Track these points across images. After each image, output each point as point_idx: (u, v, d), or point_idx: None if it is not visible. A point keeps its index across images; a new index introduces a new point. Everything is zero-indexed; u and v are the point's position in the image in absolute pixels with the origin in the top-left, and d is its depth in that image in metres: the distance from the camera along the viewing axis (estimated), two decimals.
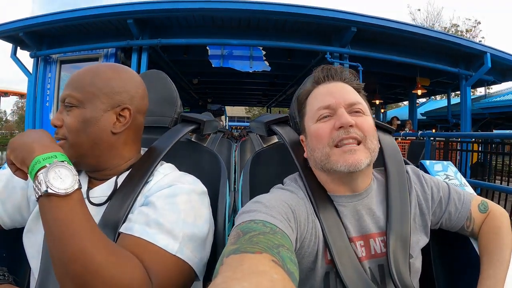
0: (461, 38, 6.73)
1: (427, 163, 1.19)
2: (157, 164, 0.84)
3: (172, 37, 5.72)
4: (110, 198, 0.77)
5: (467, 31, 21.92)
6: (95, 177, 0.83)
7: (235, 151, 3.38)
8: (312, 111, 0.82)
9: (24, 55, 6.34)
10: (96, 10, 5.28)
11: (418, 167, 0.99)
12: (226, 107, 16.59)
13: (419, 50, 6.29)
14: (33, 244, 0.78)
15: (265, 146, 1.17)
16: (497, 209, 0.87)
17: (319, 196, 0.79)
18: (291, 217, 0.70)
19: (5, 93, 9.67)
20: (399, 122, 8.20)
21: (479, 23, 21.96)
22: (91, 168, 0.82)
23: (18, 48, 6.30)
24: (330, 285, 0.74)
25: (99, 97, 0.78)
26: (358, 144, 0.74)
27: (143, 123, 0.89)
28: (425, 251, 0.83)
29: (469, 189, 1.04)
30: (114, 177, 0.81)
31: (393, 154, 0.92)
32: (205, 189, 0.83)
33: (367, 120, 0.78)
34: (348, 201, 0.79)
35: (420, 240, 0.81)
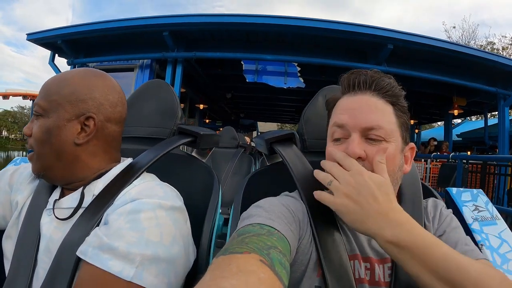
0: (500, 56, 6.41)
1: (453, 191, 1.06)
2: (136, 178, 0.77)
3: (206, 50, 5.70)
4: (75, 211, 0.72)
5: (503, 49, 21.30)
6: (68, 187, 0.79)
7: (256, 168, 3.32)
8: (330, 125, 0.75)
9: (61, 62, 6.56)
10: (133, 21, 5.37)
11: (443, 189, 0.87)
12: (258, 122, 16.63)
13: (455, 68, 6.00)
14: (10, 250, 0.75)
15: (268, 164, 1.07)
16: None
17: (320, 208, 0.70)
18: (292, 220, 0.67)
19: None
20: (435, 143, 7.97)
21: None
22: (61, 181, 0.78)
23: (56, 55, 6.46)
24: None
25: (63, 105, 0.74)
26: None
27: (119, 132, 0.83)
28: None
29: (501, 223, 0.90)
30: (81, 188, 0.75)
31: (410, 184, 0.81)
32: (177, 204, 0.73)
33: (384, 150, 0.67)
34: None
35: None
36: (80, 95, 0.75)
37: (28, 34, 5.92)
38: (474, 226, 0.96)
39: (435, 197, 0.90)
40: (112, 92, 0.80)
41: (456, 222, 0.76)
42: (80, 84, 0.76)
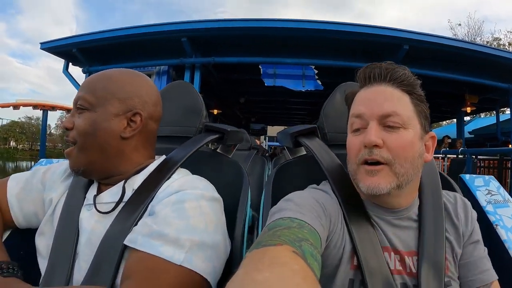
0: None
1: (466, 177, 1.09)
2: (172, 173, 0.82)
3: (224, 55, 5.68)
4: (117, 205, 0.76)
5: (509, 44, 21.25)
6: (105, 183, 0.82)
7: (269, 168, 3.36)
8: (349, 116, 0.77)
9: (74, 70, 6.49)
10: (151, 28, 5.34)
11: (457, 183, 0.92)
12: (268, 127, 16.54)
13: (467, 66, 5.96)
14: (44, 246, 0.79)
15: (291, 158, 1.13)
16: None
17: (351, 200, 0.74)
18: (322, 214, 0.68)
19: (53, 108, 10.18)
20: (449, 141, 7.94)
21: None
22: (101, 175, 0.81)
23: (70, 64, 6.41)
24: None
25: (111, 101, 0.78)
26: (384, 164, 0.67)
27: (156, 130, 0.88)
28: None
29: None
30: (122, 182, 0.79)
31: (429, 174, 0.82)
32: (217, 195, 0.79)
33: (402, 137, 0.67)
34: (383, 213, 0.74)
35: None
36: (128, 92, 0.80)
37: (41, 43, 5.90)
38: (488, 208, 1.00)
39: (453, 185, 0.93)
40: (154, 91, 0.86)
41: (478, 230, 0.78)
42: (127, 82, 0.81)
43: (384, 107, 0.68)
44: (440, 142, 8.06)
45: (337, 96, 1.08)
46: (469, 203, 0.81)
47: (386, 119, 0.68)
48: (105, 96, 0.78)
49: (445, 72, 5.85)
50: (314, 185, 0.84)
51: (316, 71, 6.32)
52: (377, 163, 0.67)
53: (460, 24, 22.98)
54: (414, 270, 0.70)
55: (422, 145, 0.71)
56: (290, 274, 0.41)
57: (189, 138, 1.06)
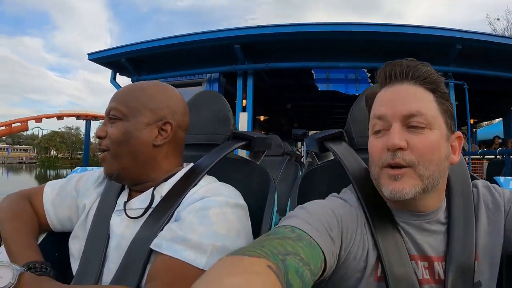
0: None
1: (501, 179, 1.04)
2: (199, 180, 0.84)
3: (276, 61, 5.53)
4: (145, 211, 0.79)
5: None
6: (135, 189, 0.86)
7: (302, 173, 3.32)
8: (370, 118, 0.74)
9: (120, 79, 6.50)
10: (201, 36, 5.26)
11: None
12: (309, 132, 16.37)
13: None
14: (77, 249, 0.84)
15: (319, 163, 1.11)
16: None
17: (376, 206, 0.71)
18: (335, 226, 0.65)
19: (95, 117, 10.63)
20: (500, 141, 7.59)
21: None
22: (132, 181, 0.85)
23: (117, 74, 6.42)
24: None
25: (143, 111, 0.82)
26: (407, 167, 0.64)
27: (184, 139, 0.92)
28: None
29: None
30: (151, 189, 0.83)
31: (459, 174, 0.78)
32: (241, 202, 0.81)
33: (428, 138, 0.64)
34: (411, 218, 0.70)
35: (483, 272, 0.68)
36: (159, 103, 0.84)
37: (89, 54, 5.92)
38: None
39: None
40: (182, 102, 0.91)
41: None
42: (157, 94, 0.86)
43: (407, 107, 0.65)
44: (491, 143, 7.72)
45: (363, 100, 1.06)
46: (491, 185, 0.78)
47: (410, 119, 0.65)
48: (137, 106, 0.82)
49: (496, 70, 5.55)
50: (335, 194, 0.81)
51: (369, 75, 6.08)
52: (401, 166, 0.64)
53: (498, 19, 21.73)
54: (442, 277, 0.67)
55: (448, 146, 0.68)
56: (260, 285, 0.40)
57: (217, 145, 1.07)
